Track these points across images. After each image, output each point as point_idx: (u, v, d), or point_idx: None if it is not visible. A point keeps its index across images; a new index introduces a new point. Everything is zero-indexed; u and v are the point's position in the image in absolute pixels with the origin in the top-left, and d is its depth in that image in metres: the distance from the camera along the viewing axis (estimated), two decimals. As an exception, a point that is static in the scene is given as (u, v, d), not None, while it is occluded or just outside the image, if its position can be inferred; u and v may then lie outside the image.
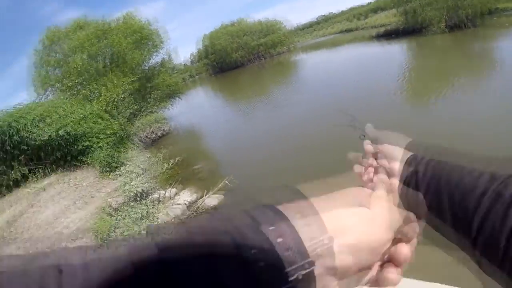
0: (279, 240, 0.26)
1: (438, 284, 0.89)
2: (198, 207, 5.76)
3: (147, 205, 5.97)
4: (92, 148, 8.02)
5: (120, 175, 7.35)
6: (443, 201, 0.41)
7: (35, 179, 7.57)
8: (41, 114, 8.22)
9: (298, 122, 9.22)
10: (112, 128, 9.01)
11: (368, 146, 0.58)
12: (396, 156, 0.51)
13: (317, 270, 0.26)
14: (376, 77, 11.76)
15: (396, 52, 18.26)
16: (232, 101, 19.22)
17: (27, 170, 7.78)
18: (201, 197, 6.15)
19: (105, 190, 6.60)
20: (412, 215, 0.40)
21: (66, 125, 8.03)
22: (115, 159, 7.95)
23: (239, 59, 44.15)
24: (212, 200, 5.83)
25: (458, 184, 0.40)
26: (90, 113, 9.04)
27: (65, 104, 9.26)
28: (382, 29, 29.40)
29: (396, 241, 0.35)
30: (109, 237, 4.77)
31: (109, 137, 8.58)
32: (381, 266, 0.35)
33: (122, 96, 11.89)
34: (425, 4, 20.35)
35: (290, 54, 44.91)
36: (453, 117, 6.34)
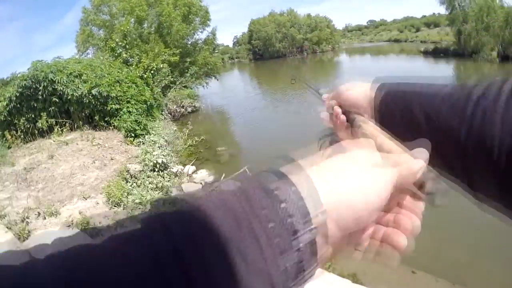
0: (283, 205, 0.24)
1: None
2: (213, 189, 5.56)
3: (163, 177, 5.83)
4: (122, 112, 8.00)
5: (143, 143, 7.27)
6: (423, 117, 0.39)
7: (60, 132, 7.62)
8: (78, 70, 8.26)
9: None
10: (144, 96, 8.97)
11: (328, 97, 0.56)
12: (362, 99, 0.48)
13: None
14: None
15: (443, 72, 17.29)
16: (266, 90, 18.92)
17: (54, 122, 7.85)
18: (217, 180, 5.96)
19: (126, 155, 6.52)
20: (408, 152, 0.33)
21: (100, 85, 8.02)
22: (141, 127, 7.90)
23: (282, 50, 43.85)
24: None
25: (435, 96, 0.39)
26: (126, 77, 9.03)
27: (103, 65, 9.29)
28: (431, 46, 28.77)
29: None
30: (120, 202, 4.68)
31: (140, 104, 8.54)
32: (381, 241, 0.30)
33: (161, 66, 11.86)
34: (482, 29, 19.17)
35: (333, 53, 43.93)
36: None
